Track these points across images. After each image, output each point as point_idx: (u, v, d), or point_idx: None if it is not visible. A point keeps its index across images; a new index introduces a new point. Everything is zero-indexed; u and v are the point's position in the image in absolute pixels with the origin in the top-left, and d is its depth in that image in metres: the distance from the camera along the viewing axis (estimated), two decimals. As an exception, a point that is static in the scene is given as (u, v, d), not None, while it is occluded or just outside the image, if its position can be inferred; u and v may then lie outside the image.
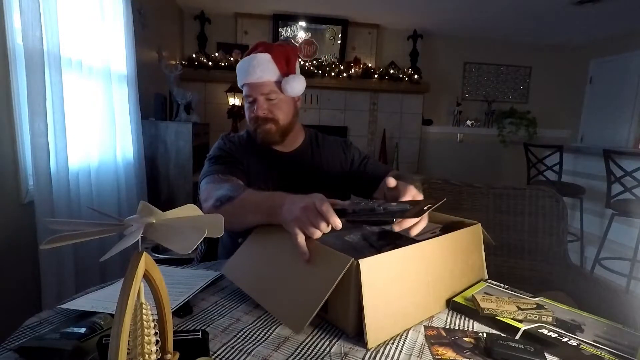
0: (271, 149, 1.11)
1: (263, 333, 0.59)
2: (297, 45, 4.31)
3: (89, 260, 1.70)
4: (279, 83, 1.04)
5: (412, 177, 1.05)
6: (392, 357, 0.54)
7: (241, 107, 4.03)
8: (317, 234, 0.64)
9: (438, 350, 0.55)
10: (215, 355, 0.53)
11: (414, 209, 0.67)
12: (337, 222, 0.63)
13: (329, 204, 0.64)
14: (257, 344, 0.56)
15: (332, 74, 4.18)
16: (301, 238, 0.64)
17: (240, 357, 0.53)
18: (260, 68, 1.02)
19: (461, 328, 0.63)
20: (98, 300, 0.66)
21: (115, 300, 0.34)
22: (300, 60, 4.09)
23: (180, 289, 0.69)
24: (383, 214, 0.67)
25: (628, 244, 2.49)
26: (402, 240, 0.76)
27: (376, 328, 0.57)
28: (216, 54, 4.04)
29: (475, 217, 0.79)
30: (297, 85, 1.05)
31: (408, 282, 0.62)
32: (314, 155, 1.15)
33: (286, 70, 1.05)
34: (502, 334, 0.60)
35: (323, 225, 0.63)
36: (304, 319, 0.55)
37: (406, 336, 0.60)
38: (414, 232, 0.68)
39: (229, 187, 0.89)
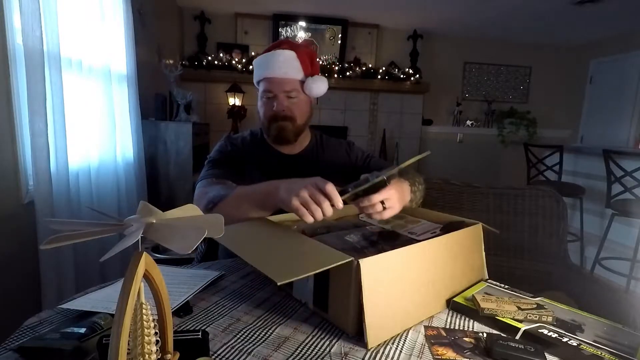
0: (276, 150, 1.10)
1: (263, 333, 0.59)
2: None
3: (89, 260, 1.70)
4: (301, 83, 1.05)
5: (414, 173, 1.06)
6: (392, 357, 0.54)
7: (241, 107, 4.02)
8: (319, 214, 0.69)
9: (438, 350, 0.55)
10: (215, 355, 0.53)
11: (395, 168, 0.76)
12: (340, 203, 0.70)
13: (332, 185, 0.70)
14: (257, 344, 0.56)
15: (332, 74, 4.18)
16: (308, 217, 0.69)
17: (240, 357, 0.53)
18: (285, 64, 1.02)
19: (461, 328, 0.63)
20: (98, 300, 0.66)
21: (115, 300, 0.34)
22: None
23: (180, 289, 0.69)
24: (371, 181, 0.74)
25: (628, 244, 2.49)
26: (402, 240, 0.76)
27: (376, 328, 0.57)
28: (216, 54, 4.04)
29: (475, 217, 0.79)
30: (321, 86, 1.06)
31: (408, 282, 0.62)
32: (319, 157, 1.14)
33: (310, 71, 1.06)
34: (502, 334, 0.60)
35: (327, 204, 0.69)
36: (289, 274, 0.52)
37: (406, 336, 0.60)
38: (381, 215, 0.75)
39: (221, 188, 0.89)
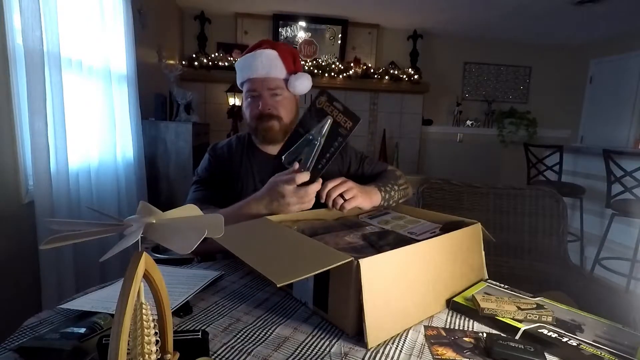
0: (264, 152, 1.10)
1: (263, 333, 0.59)
2: (297, 45, 4.32)
3: (89, 260, 1.70)
4: (285, 81, 1.05)
5: (394, 175, 1.09)
6: (392, 357, 0.54)
7: (241, 107, 4.03)
8: (287, 205, 0.82)
9: (438, 350, 0.55)
10: (215, 355, 0.53)
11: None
12: (302, 177, 0.81)
13: (288, 173, 0.83)
14: (257, 344, 0.56)
15: (332, 74, 4.18)
16: (306, 205, 0.82)
17: (240, 357, 0.53)
18: (268, 64, 1.02)
19: (461, 328, 0.63)
20: (98, 300, 0.66)
21: (115, 300, 0.34)
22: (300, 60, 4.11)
23: (180, 289, 0.69)
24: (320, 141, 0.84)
25: (628, 244, 2.49)
26: (402, 240, 0.76)
27: (376, 328, 0.57)
28: (216, 54, 4.04)
29: (475, 217, 0.79)
30: (305, 82, 1.06)
31: (408, 282, 0.62)
32: None
33: (293, 68, 1.06)
34: (502, 334, 0.59)
35: (309, 192, 0.82)
36: (288, 276, 0.53)
37: (406, 336, 0.60)
38: (343, 206, 0.86)
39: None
